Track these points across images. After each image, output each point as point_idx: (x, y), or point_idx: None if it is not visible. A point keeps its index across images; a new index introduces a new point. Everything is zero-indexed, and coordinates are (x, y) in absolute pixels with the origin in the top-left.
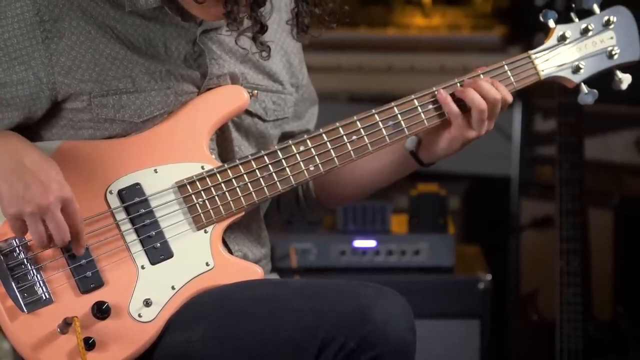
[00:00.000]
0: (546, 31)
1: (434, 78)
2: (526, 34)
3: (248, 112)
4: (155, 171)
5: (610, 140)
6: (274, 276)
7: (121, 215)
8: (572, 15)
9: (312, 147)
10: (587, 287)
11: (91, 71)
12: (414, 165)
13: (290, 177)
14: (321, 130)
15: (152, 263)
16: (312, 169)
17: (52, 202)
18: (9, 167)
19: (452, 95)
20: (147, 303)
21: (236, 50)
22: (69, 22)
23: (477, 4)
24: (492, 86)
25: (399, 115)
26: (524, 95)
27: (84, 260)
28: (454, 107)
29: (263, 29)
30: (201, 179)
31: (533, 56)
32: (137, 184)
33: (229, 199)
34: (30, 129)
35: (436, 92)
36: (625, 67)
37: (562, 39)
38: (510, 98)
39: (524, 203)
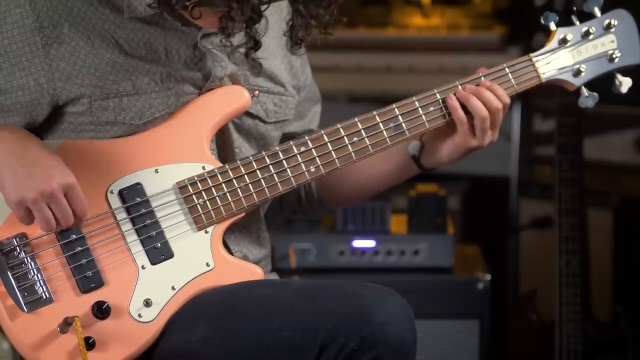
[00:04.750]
0: (547, 32)
1: (434, 78)
2: (525, 34)
3: (249, 114)
4: (156, 171)
5: (610, 140)
6: (274, 276)
7: (122, 215)
8: (573, 18)
9: (313, 148)
10: (586, 287)
11: (91, 76)
12: (415, 170)
13: (291, 178)
14: (322, 131)
15: (153, 263)
16: (313, 170)
17: (55, 188)
18: (12, 156)
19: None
20: (147, 303)
21: (237, 53)
22: (68, 28)
23: (477, 4)
24: (494, 96)
25: (399, 117)
26: (523, 96)
27: (84, 260)
28: (462, 114)
29: (257, 45)
30: (202, 179)
31: (534, 59)
32: (138, 183)
33: (230, 199)
34: (32, 133)
35: (447, 98)
36: (625, 71)
37: (563, 42)
38: (508, 101)
39: (523, 203)
